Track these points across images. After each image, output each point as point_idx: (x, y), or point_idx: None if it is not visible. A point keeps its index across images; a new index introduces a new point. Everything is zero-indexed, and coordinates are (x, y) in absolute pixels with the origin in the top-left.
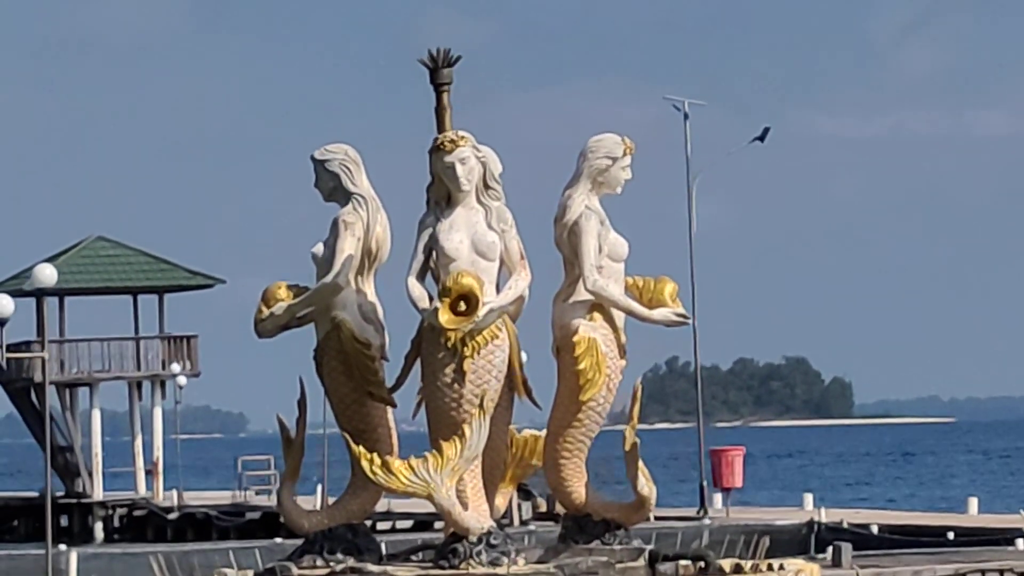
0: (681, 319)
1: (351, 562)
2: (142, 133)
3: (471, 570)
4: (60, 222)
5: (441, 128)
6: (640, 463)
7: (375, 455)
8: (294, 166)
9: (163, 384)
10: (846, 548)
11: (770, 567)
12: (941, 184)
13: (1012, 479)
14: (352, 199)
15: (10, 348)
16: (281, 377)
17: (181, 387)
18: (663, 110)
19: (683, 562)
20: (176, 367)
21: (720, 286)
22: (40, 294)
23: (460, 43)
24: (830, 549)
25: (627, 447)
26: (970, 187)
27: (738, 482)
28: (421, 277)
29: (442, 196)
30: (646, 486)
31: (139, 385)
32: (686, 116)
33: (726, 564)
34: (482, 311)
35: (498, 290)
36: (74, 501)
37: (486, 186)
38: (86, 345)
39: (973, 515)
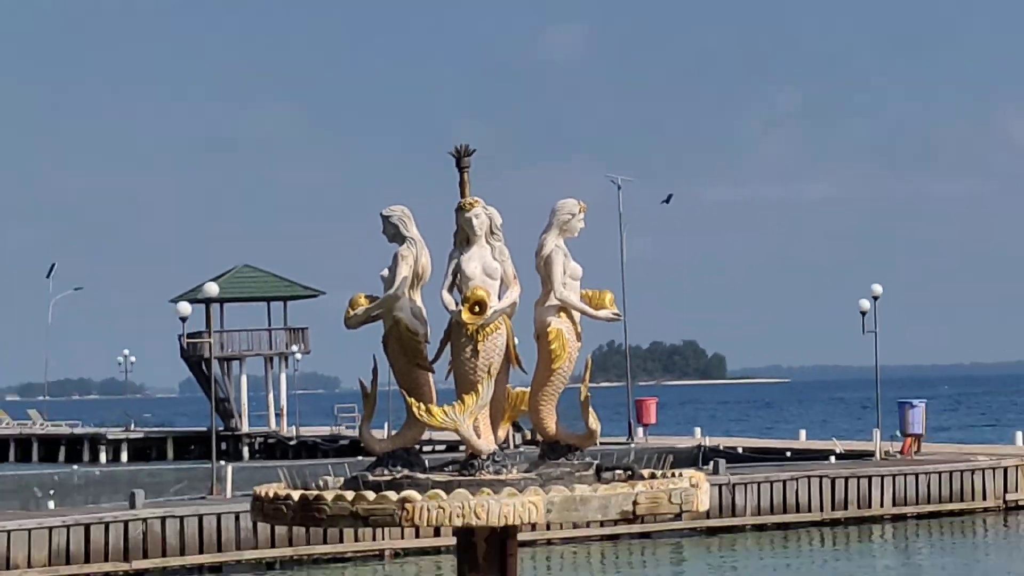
0: (616, 317)
1: (406, 472)
2: (272, 201)
3: (483, 476)
4: (220, 252)
5: (463, 195)
6: (591, 408)
7: (421, 403)
8: (371, 220)
9: (286, 359)
10: (722, 462)
11: (672, 475)
12: (784, 228)
13: (829, 418)
14: (406, 241)
15: (190, 336)
16: (362, 354)
17: (298, 360)
18: (605, 183)
19: (617, 471)
20: (295, 348)
21: (641, 295)
22: (208, 301)
23: (472, 138)
24: (711, 463)
25: (582, 398)
26: (804, 233)
27: (653, 420)
28: (449, 291)
29: (463, 239)
30: (594, 423)
31: (271, 360)
32: (619, 187)
33: (645, 472)
34: (489, 312)
35: (499, 299)
36: (229, 433)
37: (491, 232)
38: (237, 334)
39: (803, 441)
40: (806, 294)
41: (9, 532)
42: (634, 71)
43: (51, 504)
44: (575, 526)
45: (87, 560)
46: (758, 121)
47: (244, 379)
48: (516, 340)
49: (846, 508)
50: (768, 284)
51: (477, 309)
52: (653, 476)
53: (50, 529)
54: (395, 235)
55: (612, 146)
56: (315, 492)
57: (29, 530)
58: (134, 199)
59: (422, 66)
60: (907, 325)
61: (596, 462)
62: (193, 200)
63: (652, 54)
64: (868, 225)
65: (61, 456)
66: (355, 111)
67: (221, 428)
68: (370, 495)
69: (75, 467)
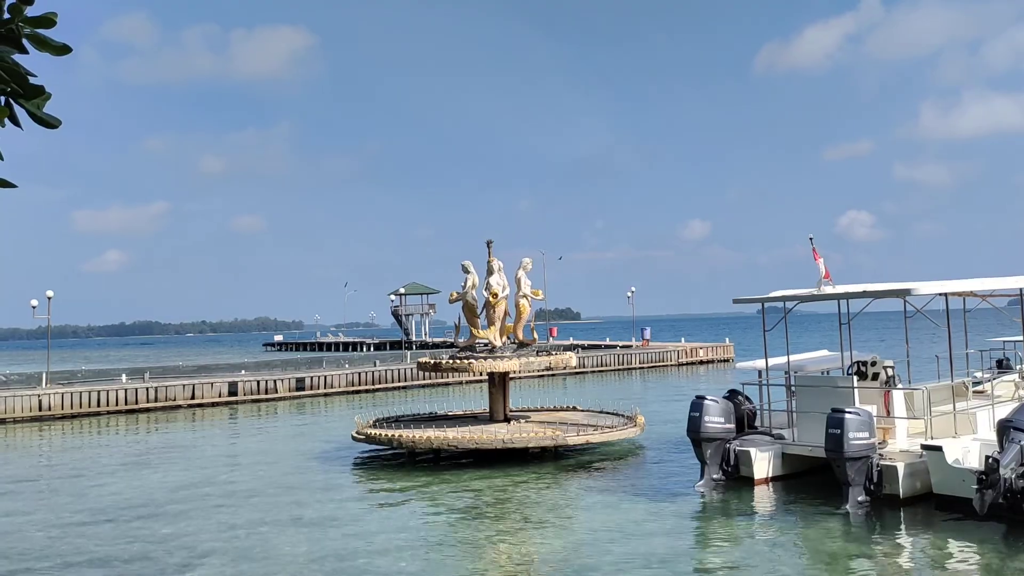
0: (540, 298)
1: (470, 352)
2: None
3: (497, 354)
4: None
5: (489, 257)
6: (534, 332)
7: (476, 328)
8: (455, 268)
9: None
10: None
11: (559, 351)
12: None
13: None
14: (468, 273)
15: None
16: (455, 312)
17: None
18: (542, 256)
19: (542, 351)
20: (432, 314)
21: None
22: (404, 295)
23: (480, 230)
24: (576, 349)
25: (532, 327)
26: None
27: (555, 333)
28: (485, 289)
29: (489, 273)
30: (533, 336)
31: (426, 315)
32: (544, 256)
33: (552, 352)
34: (501, 296)
35: (502, 291)
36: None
37: (498, 270)
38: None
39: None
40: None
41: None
42: None
43: None
44: (531, 372)
45: None
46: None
47: (413, 322)
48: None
49: None
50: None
51: (496, 296)
52: (550, 353)
53: None
54: (464, 271)
55: (541, 237)
56: (443, 359)
57: None
58: None
59: None
60: None
61: (537, 349)
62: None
63: None
64: None
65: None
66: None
67: (404, 338)
68: (460, 360)
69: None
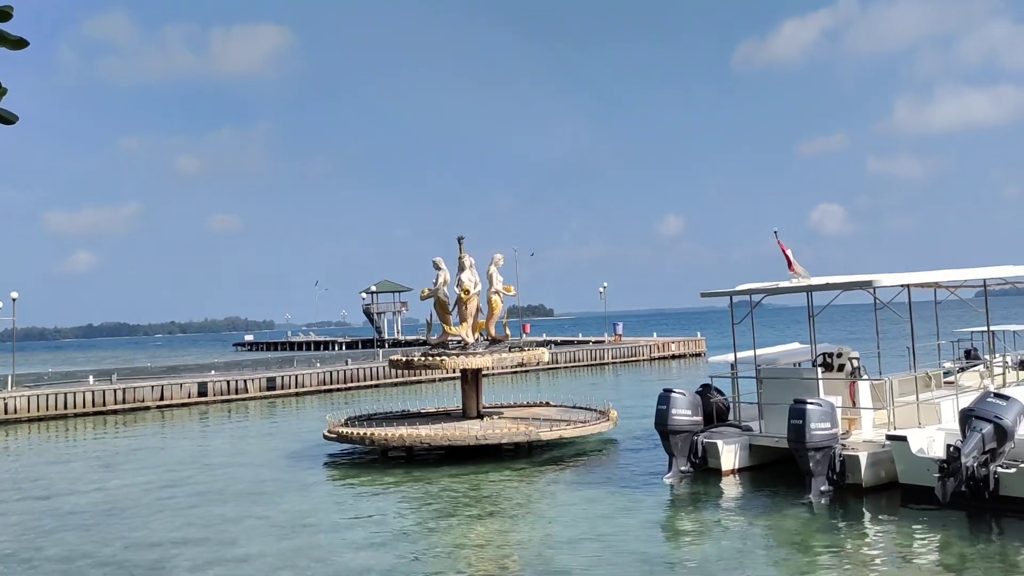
0: (512, 294)
1: (442, 349)
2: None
3: (469, 351)
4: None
5: (460, 253)
6: (507, 328)
7: (449, 326)
8: (427, 265)
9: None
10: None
11: (532, 348)
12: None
13: None
14: (440, 270)
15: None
16: (428, 310)
17: (405, 313)
18: (515, 252)
19: (515, 347)
20: (405, 311)
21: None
22: (376, 293)
23: (455, 227)
24: (549, 344)
25: (504, 323)
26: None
27: (528, 329)
28: (457, 285)
29: (461, 270)
30: (506, 332)
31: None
32: (516, 253)
33: (524, 347)
34: (472, 292)
35: (474, 288)
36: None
37: (469, 266)
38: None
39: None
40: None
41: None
42: None
43: None
44: (504, 368)
45: None
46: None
47: (385, 320)
48: (497, 300)
49: None
50: (584, 289)
51: (468, 292)
52: (523, 349)
53: None
54: (436, 267)
55: (516, 234)
56: (414, 356)
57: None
58: None
59: None
60: None
61: (510, 345)
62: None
63: None
64: None
65: None
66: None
67: (376, 336)
68: (432, 357)
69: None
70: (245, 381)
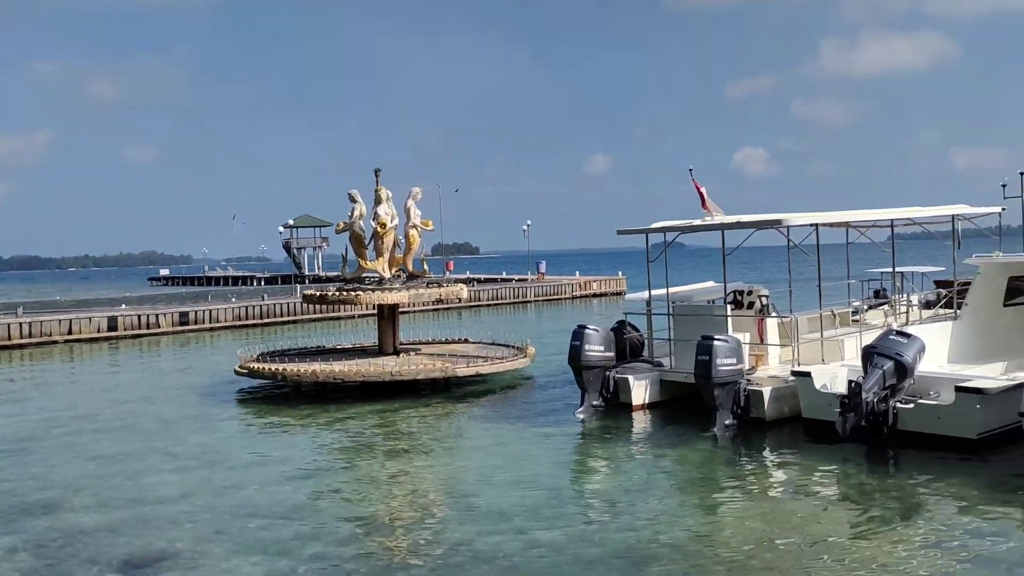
0: (430, 229)
1: (357, 284)
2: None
3: (386, 286)
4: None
5: (377, 186)
6: (425, 264)
7: (365, 260)
8: (343, 197)
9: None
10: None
11: (448, 284)
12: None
13: None
14: (355, 203)
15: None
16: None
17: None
18: (439, 188)
19: (432, 283)
20: (326, 247)
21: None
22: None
23: (379, 160)
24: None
25: (422, 259)
26: None
27: (451, 267)
28: (373, 219)
29: (377, 203)
30: (424, 268)
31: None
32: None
33: (444, 283)
34: (389, 227)
35: (391, 222)
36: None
37: (386, 199)
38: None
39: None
40: None
41: None
42: None
43: None
44: (422, 305)
45: None
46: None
47: (305, 256)
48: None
49: None
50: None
51: (385, 226)
52: (441, 285)
53: None
54: (352, 200)
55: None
56: (329, 291)
57: None
58: None
59: None
60: None
61: (428, 281)
62: None
63: None
64: None
65: None
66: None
67: (296, 272)
68: (347, 292)
69: None
70: (157, 316)
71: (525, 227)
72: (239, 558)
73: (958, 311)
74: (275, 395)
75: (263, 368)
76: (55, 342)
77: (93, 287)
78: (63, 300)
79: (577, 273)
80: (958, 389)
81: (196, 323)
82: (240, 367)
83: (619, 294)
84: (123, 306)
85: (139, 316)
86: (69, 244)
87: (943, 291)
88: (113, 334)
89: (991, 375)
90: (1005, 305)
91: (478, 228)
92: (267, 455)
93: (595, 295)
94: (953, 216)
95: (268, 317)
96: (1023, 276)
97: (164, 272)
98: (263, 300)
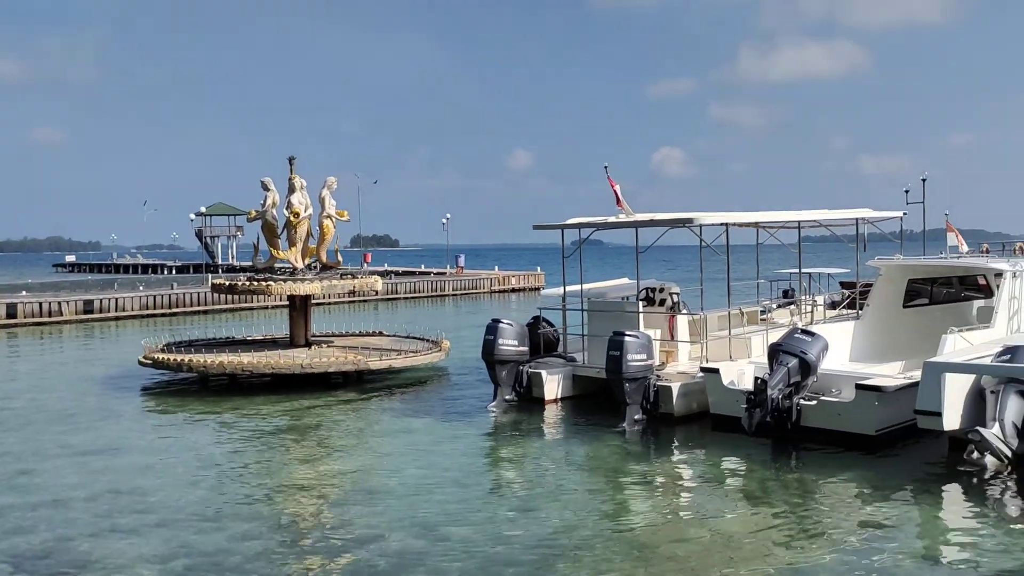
0: (345, 219)
1: (269, 275)
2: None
3: (299, 276)
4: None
5: (291, 174)
6: (339, 255)
7: (278, 250)
8: (256, 187)
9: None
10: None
11: (363, 276)
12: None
13: None
14: (268, 191)
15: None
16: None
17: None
18: (358, 178)
19: (347, 274)
20: (240, 236)
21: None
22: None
23: (297, 149)
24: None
25: (336, 251)
26: None
27: (369, 259)
28: (287, 208)
29: (291, 191)
30: (339, 259)
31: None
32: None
33: (357, 275)
34: (303, 216)
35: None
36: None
37: (300, 188)
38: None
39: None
40: None
41: None
42: None
43: None
44: (334, 297)
45: None
46: None
47: (219, 245)
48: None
49: None
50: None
51: (297, 216)
52: (355, 276)
53: None
54: (264, 188)
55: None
56: (239, 281)
57: None
58: None
59: None
60: None
61: (342, 272)
62: None
63: None
64: None
65: None
66: None
67: (209, 261)
68: (258, 282)
69: None
70: (60, 303)
71: (445, 220)
72: (135, 554)
73: (860, 311)
74: (182, 387)
75: (169, 359)
76: None
77: None
78: None
79: (496, 268)
80: (858, 387)
81: (101, 312)
82: (145, 357)
83: (537, 289)
84: (24, 293)
85: (40, 304)
86: None
87: (847, 292)
88: (12, 322)
89: (890, 374)
90: (905, 306)
91: (398, 221)
92: (170, 449)
93: (514, 290)
94: (857, 220)
95: (177, 307)
96: (922, 279)
97: (70, 258)
98: (172, 289)
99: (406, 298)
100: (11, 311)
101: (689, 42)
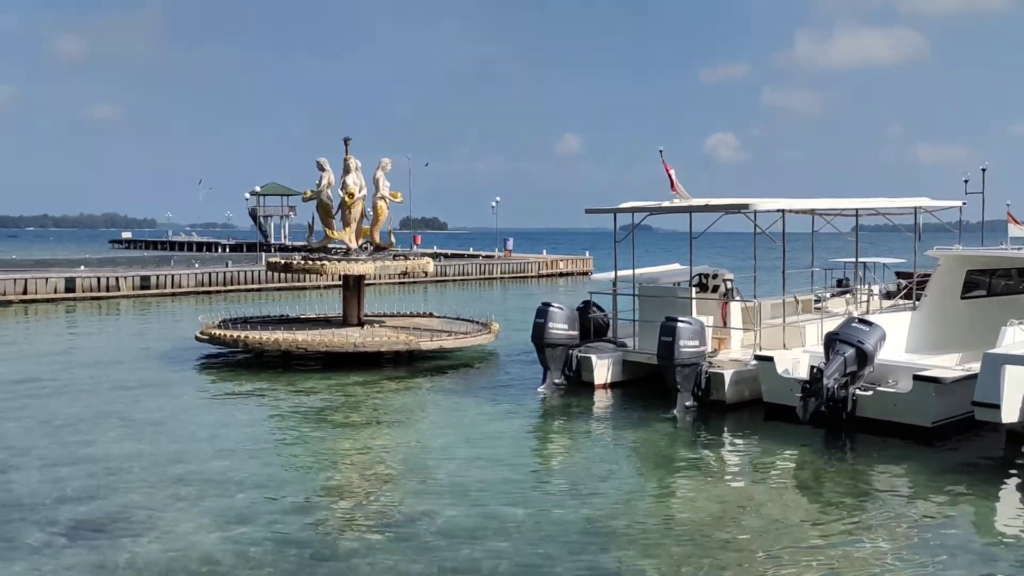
0: (399, 200)
1: (323, 254)
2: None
3: (352, 256)
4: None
5: (346, 155)
6: (392, 236)
7: (328, 229)
8: (312, 166)
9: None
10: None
11: (416, 258)
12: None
13: None
14: (323, 172)
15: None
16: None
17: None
18: (409, 161)
19: (399, 255)
20: (293, 216)
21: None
22: (263, 194)
23: (351, 131)
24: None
25: (389, 231)
26: None
27: (419, 241)
28: (341, 188)
29: (346, 172)
30: (391, 240)
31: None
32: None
33: (411, 256)
34: (357, 196)
35: (359, 193)
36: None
37: (355, 169)
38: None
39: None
40: None
41: None
42: None
43: None
44: (386, 277)
45: None
46: None
47: (272, 224)
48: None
49: None
50: None
51: (352, 196)
52: (407, 257)
53: None
54: (320, 168)
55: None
56: (294, 260)
57: None
58: None
59: None
60: None
61: (394, 253)
62: None
63: None
64: None
65: None
66: None
67: (262, 240)
68: (312, 262)
69: None
70: (117, 278)
71: (494, 204)
72: (192, 523)
73: (917, 302)
74: (236, 363)
75: (225, 335)
76: (10, 302)
77: (53, 248)
78: (19, 259)
79: (544, 252)
80: (915, 378)
81: (158, 287)
82: (201, 333)
83: (585, 274)
84: (82, 267)
85: (98, 278)
86: (28, 203)
87: (903, 282)
88: (70, 295)
89: (947, 365)
90: (962, 298)
91: (447, 204)
92: (225, 423)
93: (562, 274)
94: (916, 209)
95: (232, 284)
96: (981, 270)
97: (126, 235)
98: (227, 267)
99: (455, 280)
100: (70, 285)
101: (744, 27)
